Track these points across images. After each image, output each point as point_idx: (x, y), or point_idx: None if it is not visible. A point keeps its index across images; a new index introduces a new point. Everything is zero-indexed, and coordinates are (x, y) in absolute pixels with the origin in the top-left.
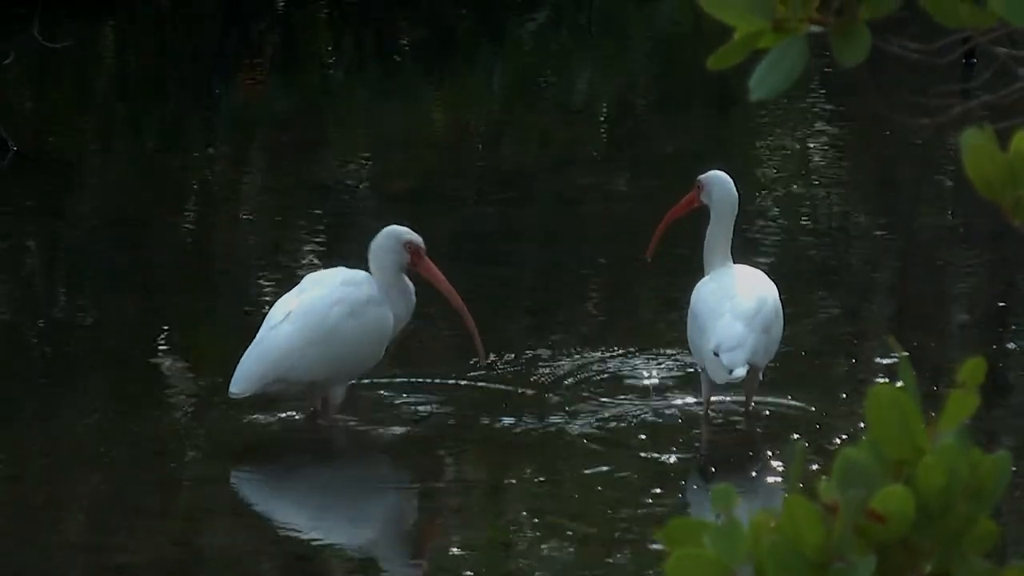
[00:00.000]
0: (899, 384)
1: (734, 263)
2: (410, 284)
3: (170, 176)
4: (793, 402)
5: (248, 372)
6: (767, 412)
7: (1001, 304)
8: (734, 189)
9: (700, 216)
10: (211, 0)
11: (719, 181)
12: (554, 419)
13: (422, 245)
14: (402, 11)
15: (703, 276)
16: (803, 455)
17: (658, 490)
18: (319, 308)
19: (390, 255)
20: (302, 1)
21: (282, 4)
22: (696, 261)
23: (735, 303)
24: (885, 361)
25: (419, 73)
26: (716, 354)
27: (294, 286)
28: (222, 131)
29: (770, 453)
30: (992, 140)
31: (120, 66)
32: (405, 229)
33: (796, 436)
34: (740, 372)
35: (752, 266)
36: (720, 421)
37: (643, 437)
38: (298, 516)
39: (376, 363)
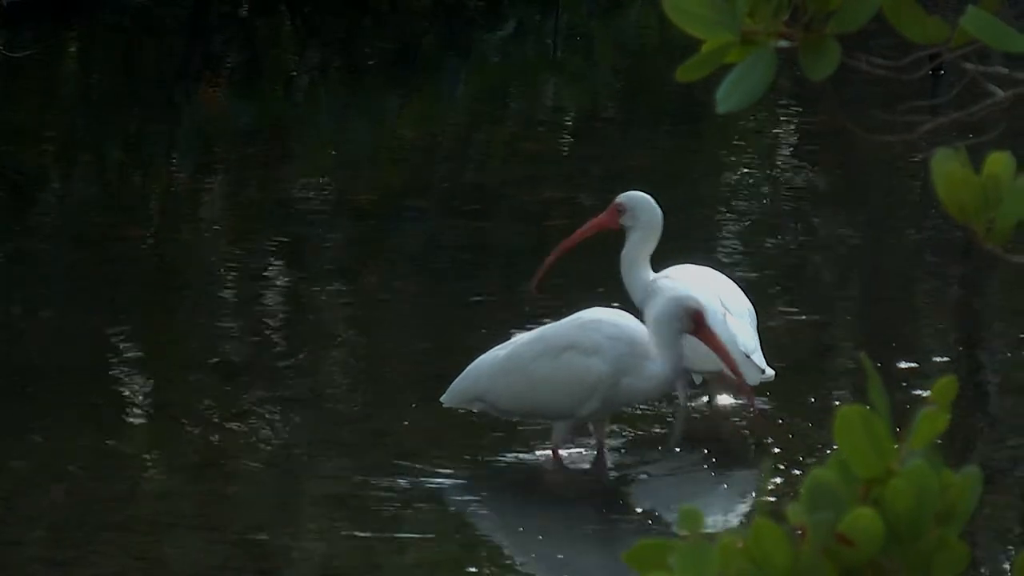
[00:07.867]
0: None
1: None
2: (684, 350)
3: (133, 190)
4: (761, 415)
5: (455, 385)
6: (735, 426)
7: (969, 317)
8: (658, 207)
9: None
10: (174, 12)
11: (645, 203)
12: (523, 436)
13: (704, 311)
14: (367, 23)
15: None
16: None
17: (638, 508)
18: (523, 340)
19: (672, 321)
20: (265, 12)
21: (245, 15)
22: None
23: (728, 302)
24: (853, 374)
25: (384, 86)
26: (747, 356)
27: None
28: (185, 144)
29: (738, 466)
30: (965, 163)
31: (82, 78)
32: (689, 296)
33: (764, 450)
34: (770, 371)
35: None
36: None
37: (613, 453)
38: (262, 530)
39: (588, 411)
